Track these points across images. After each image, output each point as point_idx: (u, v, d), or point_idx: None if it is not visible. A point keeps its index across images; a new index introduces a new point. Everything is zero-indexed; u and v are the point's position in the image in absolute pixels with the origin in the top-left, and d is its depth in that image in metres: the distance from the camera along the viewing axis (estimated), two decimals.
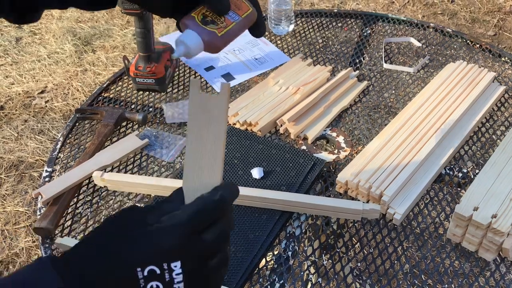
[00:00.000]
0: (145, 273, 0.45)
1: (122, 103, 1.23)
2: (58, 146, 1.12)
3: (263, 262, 0.85)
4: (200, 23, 0.57)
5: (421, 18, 3.14)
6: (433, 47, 1.38)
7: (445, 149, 1.00)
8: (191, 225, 0.47)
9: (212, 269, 0.49)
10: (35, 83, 2.77)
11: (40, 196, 0.96)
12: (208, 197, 0.50)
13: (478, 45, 1.36)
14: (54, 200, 0.95)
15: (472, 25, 3.08)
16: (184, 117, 1.14)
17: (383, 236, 0.88)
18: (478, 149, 1.05)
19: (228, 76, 1.29)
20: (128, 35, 3.12)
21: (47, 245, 0.90)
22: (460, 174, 0.98)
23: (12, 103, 2.65)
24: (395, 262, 0.84)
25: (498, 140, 1.06)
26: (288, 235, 0.89)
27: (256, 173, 0.98)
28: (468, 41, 1.38)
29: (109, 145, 1.09)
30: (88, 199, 0.99)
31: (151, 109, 1.20)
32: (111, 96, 1.26)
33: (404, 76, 1.27)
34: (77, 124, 1.18)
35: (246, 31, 0.64)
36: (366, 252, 0.86)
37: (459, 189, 0.97)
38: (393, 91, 1.21)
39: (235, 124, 1.11)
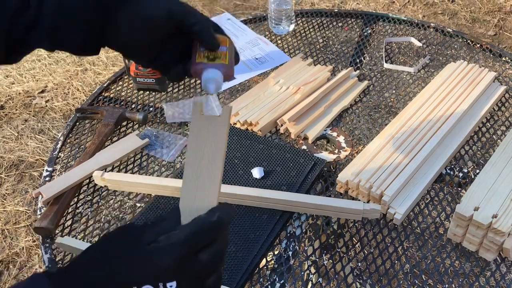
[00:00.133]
0: None
1: (122, 103, 1.23)
2: (59, 146, 1.12)
3: (263, 262, 0.85)
4: (209, 62, 0.63)
5: (421, 18, 3.14)
6: (434, 47, 1.38)
7: (445, 149, 1.00)
8: (188, 245, 0.47)
9: None
10: (35, 83, 2.77)
11: (40, 195, 0.96)
12: (206, 218, 0.50)
13: (478, 45, 1.36)
14: (54, 199, 0.95)
15: (472, 25, 3.08)
16: (185, 116, 1.14)
17: (383, 236, 0.88)
18: (479, 149, 1.05)
19: None
20: None
21: (47, 245, 0.90)
22: (461, 174, 0.98)
23: (13, 102, 2.65)
24: (396, 262, 0.84)
25: (499, 140, 1.06)
26: (288, 235, 0.89)
27: (257, 173, 0.98)
28: (468, 41, 1.38)
29: (109, 144, 1.09)
30: (89, 198, 0.99)
31: (151, 109, 1.20)
32: (111, 95, 1.26)
33: (404, 76, 1.27)
34: (77, 123, 1.18)
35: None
36: (366, 252, 0.86)
37: (459, 189, 0.97)
38: (394, 91, 1.21)
39: (235, 123, 1.11)
